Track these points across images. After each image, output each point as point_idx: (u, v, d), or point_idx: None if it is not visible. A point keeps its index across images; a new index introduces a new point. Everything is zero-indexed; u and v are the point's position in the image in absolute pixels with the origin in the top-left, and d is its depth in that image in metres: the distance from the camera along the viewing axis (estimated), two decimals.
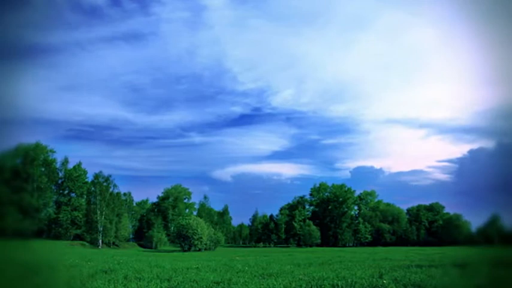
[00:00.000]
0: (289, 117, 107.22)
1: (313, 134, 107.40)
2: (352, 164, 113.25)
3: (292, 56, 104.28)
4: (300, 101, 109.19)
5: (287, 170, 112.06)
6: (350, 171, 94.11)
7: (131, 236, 52.50)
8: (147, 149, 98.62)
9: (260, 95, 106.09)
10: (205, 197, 60.01)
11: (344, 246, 54.65)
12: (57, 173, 42.94)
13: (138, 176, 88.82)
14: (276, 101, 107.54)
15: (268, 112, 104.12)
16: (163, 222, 53.18)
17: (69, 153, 45.47)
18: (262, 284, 7.47)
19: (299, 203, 61.25)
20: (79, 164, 44.83)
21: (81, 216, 41.26)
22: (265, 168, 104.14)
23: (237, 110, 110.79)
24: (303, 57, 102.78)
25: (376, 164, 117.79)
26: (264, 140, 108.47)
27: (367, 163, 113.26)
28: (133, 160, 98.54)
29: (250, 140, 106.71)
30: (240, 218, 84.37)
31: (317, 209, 61.32)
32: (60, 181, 43.68)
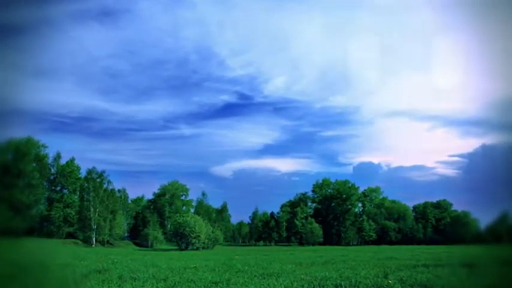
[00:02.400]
0: (284, 107, 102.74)
1: (310, 125, 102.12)
2: (354, 159, 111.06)
3: (284, 38, 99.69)
4: (294, 89, 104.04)
5: (284, 165, 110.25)
6: (353, 167, 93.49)
7: (126, 234, 52.62)
8: (132, 141, 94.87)
9: (251, 82, 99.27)
10: (203, 194, 60.05)
11: (348, 244, 54.78)
12: (49, 169, 43.03)
13: (128, 171, 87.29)
14: (268, 89, 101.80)
15: (260, 101, 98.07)
16: (159, 220, 53.28)
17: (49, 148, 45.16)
18: (263, 284, 7.48)
19: (301, 200, 61.26)
20: (72, 160, 44.91)
21: (74, 213, 41.36)
22: (261, 163, 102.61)
23: (226, 98, 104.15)
24: (296, 40, 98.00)
25: (380, 158, 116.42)
26: (257, 132, 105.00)
27: (370, 158, 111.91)
28: (120, 154, 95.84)
29: (242, 133, 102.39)
30: (239, 215, 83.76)
31: (319, 206, 61.39)
32: (52, 177, 43.76)
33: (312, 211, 60.89)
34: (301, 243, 54.85)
